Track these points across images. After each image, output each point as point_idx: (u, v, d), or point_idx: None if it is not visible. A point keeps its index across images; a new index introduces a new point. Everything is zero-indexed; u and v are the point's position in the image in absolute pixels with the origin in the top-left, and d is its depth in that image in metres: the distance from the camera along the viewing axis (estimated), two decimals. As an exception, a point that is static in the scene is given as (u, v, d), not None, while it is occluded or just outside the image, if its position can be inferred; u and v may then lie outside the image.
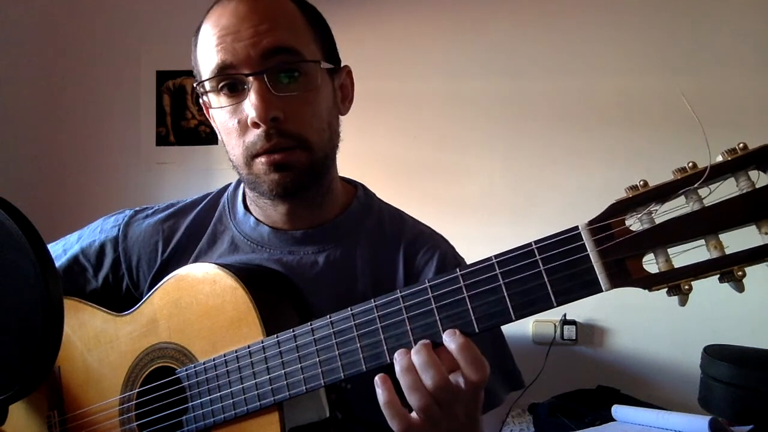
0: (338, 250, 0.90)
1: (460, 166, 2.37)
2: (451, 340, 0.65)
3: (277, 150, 0.81)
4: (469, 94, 2.37)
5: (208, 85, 0.83)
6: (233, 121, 0.83)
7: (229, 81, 0.82)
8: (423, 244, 0.92)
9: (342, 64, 0.91)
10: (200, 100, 0.93)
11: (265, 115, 0.79)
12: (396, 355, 0.67)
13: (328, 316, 0.72)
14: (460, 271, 0.66)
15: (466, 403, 0.67)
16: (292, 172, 0.82)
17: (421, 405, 0.65)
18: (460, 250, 0.96)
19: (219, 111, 0.84)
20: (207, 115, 0.94)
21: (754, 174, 0.55)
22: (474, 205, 2.34)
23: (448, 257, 0.92)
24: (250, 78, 0.79)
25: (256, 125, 0.80)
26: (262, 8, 0.81)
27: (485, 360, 0.65)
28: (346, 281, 0.89)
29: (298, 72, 0.82)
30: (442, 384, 0.64)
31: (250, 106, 0.79)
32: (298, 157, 0.82)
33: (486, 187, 2.36)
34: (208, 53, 0.82)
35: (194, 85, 0.87)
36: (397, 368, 0.66)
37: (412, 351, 0.66)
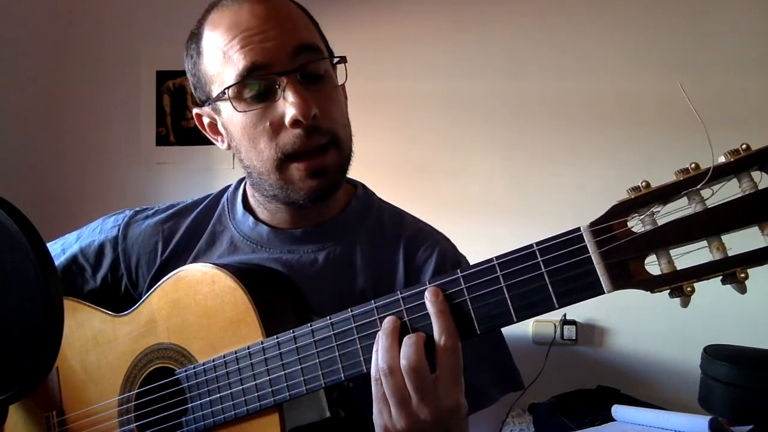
0: (338, 248, 0.90)
1: (460, 166, 2.37)
2: (431, 302, 0.65)
3: (315, 151, 0.81)
4: (469, 94, 2.37)
5: (231, 92, 0.80)
6: (264, 124, 0.81)
7: (257, 85, 0.80)
8: (423, 242, 0.92)
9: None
10: (194, 111, 0.92)
11: (307, 112, 0.78)
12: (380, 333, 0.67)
13: (328, 318, 0.72)
14: (461, 272, 0.65)
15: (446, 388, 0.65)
16: (328, 175, 0.83)
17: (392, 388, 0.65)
18: (460, 249, 0.96)
19: (241, 116, 0.82)
20: (200, 126, 0.92)
21: (756, 175, 0.55)
22: (474, 205, 2.34)
23: (448, 254, 0.92)
24: (282, 78, 0.79)
25: (296, 124, 0.79)
26: (279, 9, 0.82)
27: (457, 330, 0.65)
28: (346, 279, 0.89)
29: (321, 71, 0.82)
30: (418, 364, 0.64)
31: (289, 105, 0.78)
32: (332, 157, 0.83)
33: (486, 187, 2.36)
34: (229, 58, 0.80)
35: (222, 91, 0.81)
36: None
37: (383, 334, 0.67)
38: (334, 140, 0.83)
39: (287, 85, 0.79)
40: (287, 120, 0.79)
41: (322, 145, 0.81)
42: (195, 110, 0.92)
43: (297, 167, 0.81)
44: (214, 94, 0.84)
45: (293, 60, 0.79)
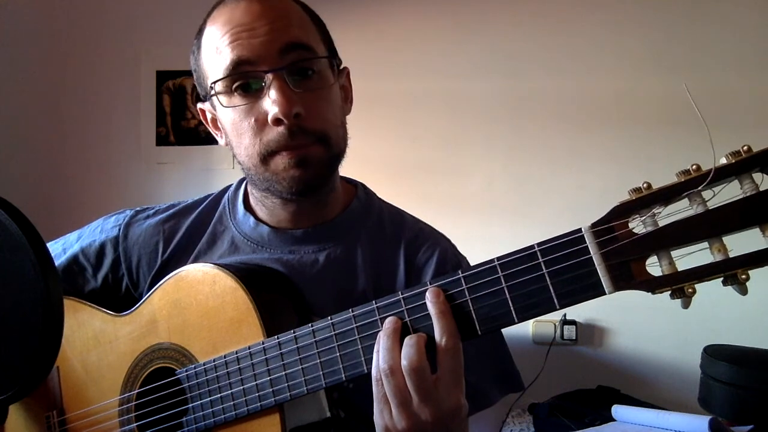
0: (339, 248, 0.90)
1: (460, 166, 2.37)
2: (432, 302, 0.65)
3: (300, 147, 0.81)
4: (469, 95, 2.37)
5: (220, 86, 0.82)
6: (249, 120, 0.81)
7: (244, 81, 0.80)
8: (423, 242, 0.92)
9: (341, 66, 0.91)
10: (198, 105, 0.92)
11: (288, 111, 0.78)
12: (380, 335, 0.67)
13: (329, 318, 0.72)
14: (462, 273, 0.65)
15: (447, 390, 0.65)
16: (313, 168, 0.82)
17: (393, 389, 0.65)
18: (460, 250, 0.96)
19: (230, 111, 0.83)
20: (204, 120, 0.93)
21: (758, 176, 0.55)
22: (474, 205, 2.34)
23: (449, 255, 0.92)
24: (269, 75, 0.79)
25: (278, 122, 0.79)
26: (274, 7, 0.82)
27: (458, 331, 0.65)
28: (347, 279, 0.89)
29: (312, 70, 0.82)
30: (419, 364, 0.64)
31: (270, 103, 0.78)
32: (317, 151, 0.82)
33: (486, 187, 2.36)
34: (220, 52, 0.81)
35: (209, 85, 0.84)
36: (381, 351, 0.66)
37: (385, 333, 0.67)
38: (321, 139, 0.82)
39: (272, 83, 0.79)
40: (269, 118, 0.79)
41: (307, 144, 0.81)
42: (198, 105, 0.92)
43: (282, 156, 0.81)
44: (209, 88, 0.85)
45: (281, 58, 0.79)
